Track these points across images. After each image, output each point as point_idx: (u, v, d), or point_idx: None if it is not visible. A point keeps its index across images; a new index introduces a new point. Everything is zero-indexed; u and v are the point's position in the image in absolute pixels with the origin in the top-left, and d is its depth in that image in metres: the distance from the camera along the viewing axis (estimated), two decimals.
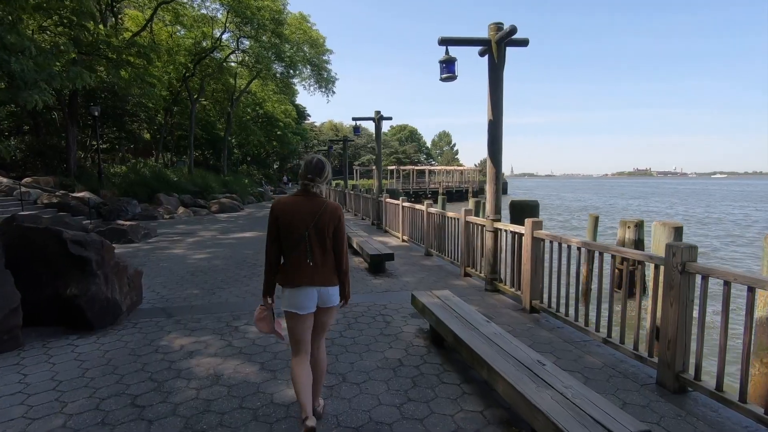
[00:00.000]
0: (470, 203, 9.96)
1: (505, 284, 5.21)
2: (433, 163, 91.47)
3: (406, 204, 9.34)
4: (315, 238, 2.32)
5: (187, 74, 22.54)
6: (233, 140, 36.14)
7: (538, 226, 4.45)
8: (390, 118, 13.63)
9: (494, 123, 5.32)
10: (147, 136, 30.14)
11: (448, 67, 5.61)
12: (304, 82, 30.26)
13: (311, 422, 2.16)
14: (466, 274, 6.25)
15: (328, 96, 29.35)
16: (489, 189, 5.47)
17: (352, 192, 17.93)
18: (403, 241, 9.48)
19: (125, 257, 5.89)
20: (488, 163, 5.48)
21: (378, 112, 13.32)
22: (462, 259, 6.32)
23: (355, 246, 7.58)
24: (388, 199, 11.13)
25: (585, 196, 62.78)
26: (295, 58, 25.77)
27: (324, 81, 28.86)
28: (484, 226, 5.60)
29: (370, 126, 16.12)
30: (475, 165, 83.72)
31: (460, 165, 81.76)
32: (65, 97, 16.03)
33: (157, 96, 18.86)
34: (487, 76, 5.27)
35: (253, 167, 46.86)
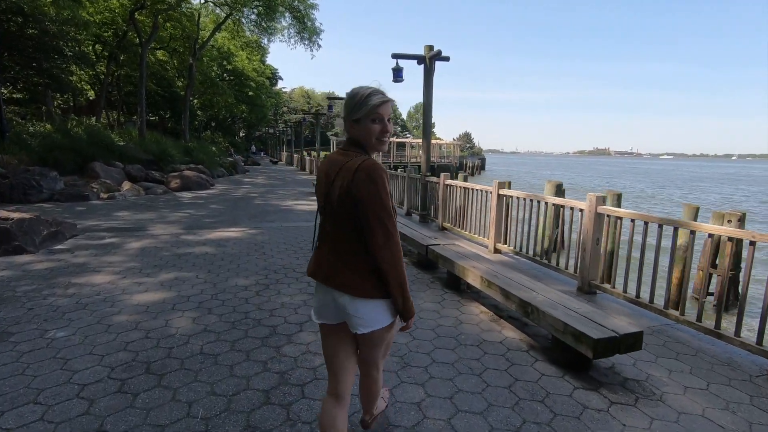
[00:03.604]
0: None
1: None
2: (408, 135, 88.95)
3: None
4: (330, 214, 1.53)
5: (134, 6, 17.42)
6: (196, 101, 30.87)
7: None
8: None
9: (426, 110, 8.61)
10: (90, 92, 24.67)
11: (398, 74, 8.34)
12: (281, 35, 25.40)
13: None
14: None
15: (312, 50, 24.73)
16: (423, 158, 9.04)
17: None
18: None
19: None
20: (422, 138, 9.01)
21: (348, 92, 14.87)
22: None
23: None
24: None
25: (571, 175, 61.60)
26: (275, 1, 20.96)
27: (308, 32, 24.15)
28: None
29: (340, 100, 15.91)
30: (454, 139, 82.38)
31: (438, 138, 79.55)
32: None
33: (89, 24, 13.95)
34: (423, 80, 8.25)
35: (219, 134, 41.52)
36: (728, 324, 3.26)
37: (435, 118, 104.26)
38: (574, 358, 2.78)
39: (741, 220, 7.31)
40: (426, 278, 4.75)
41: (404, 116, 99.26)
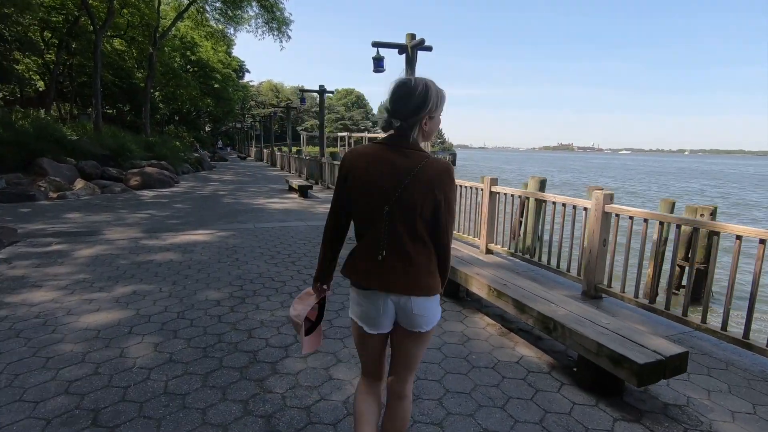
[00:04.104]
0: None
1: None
2: (379, 130, 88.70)
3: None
4: (400, 218, 1.41)
5: None
6: (157, 93, 29.24)
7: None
8: (332, 92, 16.33)
9: None
10: (40, 83, 22.83)
11: (379, 64, 8.15)
12: (248, 25, 24.34)
13: None
14: None
15: (281, 41, 23.82)
16: None
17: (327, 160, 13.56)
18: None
19: None
20: None
21: (321, 86, 15.11)
22: None
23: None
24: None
25: (539, 170, 62.84)
26: None
27: (277, 22, 23.22)
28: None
29: (313, 93, 16.60)
30: None
31: None
32: None
33: (33, 6, 12.68)
34: (405, 71, 7.48)
35: (182, 128, 39.66)
36: (756, 335, 3.02)
37: None
38: (605, 380, 2.43)
39: (713, 214, 7.33)
40: None
41: (374, 111, 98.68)
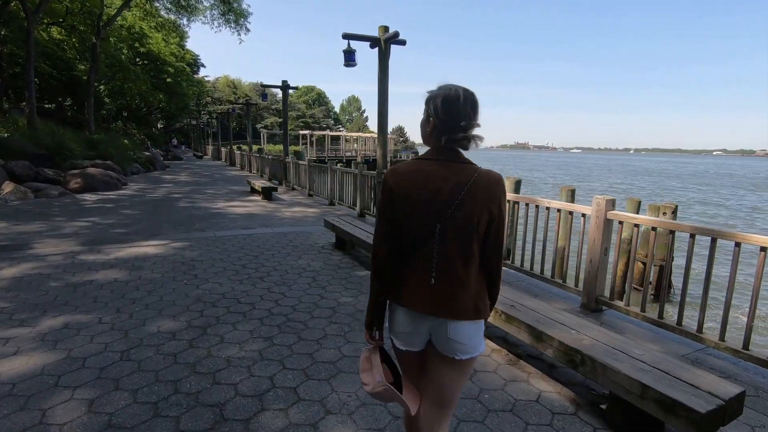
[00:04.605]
0: None
1: None
2: (341, 129, 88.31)
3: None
4: (453, 237, 1.33)
5: None
6: (103, 87, 27.11)
7: None
8: (296, 88, 15.53)
9: (382, 100, 7.27)
10: None
11: (350, 57, 7.66)
12: (203, 16, 22.98)
13: None
14: None
15: (240, 34, 22.64)
16: (378, 152, 7.74)
17: (298, 161, 12.85)
18: None
19: None
20: (378, 132, 7.64)
21: (285, 81, 14.33)
22: None
23: None
24: None
25: (497, 168, 64.34)
26: None
27: (234, 14, 22.04)
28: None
29: (275, 89, 16.16)
30: (389, 132, 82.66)
31: (371, 132, 79.55)
32: None
33: None
34: (378, 65, 7.14)
35: (132, 125, 37.21)
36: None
37: (367, 111, 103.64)
38: (643, 421, 2.08)
39: (674, 212, 7.40)
40: None
41: (336, 109, 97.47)
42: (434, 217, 1.33)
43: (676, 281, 7.00)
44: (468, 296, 1.36)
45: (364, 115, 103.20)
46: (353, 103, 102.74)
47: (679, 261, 6.88)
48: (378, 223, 1.44)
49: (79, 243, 5.65)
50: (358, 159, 42.83)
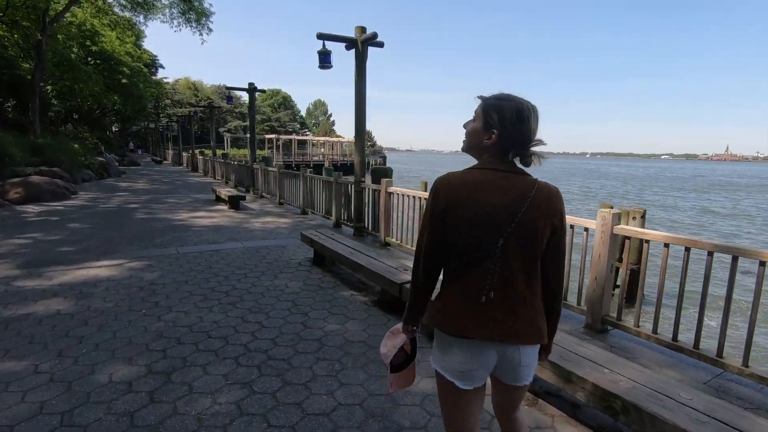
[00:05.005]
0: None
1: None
2: (308, 133, 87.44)
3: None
4: (516, 251, 1.26)
5: None
6: (50, 87, 25.22)
7: (389, 184, 5.91)
8: (264, 91, 14.64)
9: (359, 104, 6.85)
10: None
11: (325, 59, 7.17)
12: (162, 14, 21.83)
13: None
14: None
15: (202, 34, 21.64)
16: (356, 159, 7.32)
17: (269, 167, 12.21)
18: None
19: None
20: (355, 137, 7.21)
21: (251, 84, 13.67)
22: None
23: None
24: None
25: None
26: None
27: (195, 12, 21.05)
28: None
29: (238, 91, 15.10)
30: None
31: (339, 136, 79.18)
32: None
33: None
34: (354, 67, 6.73)
35: (84, 129, 34.92)
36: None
37: (334, 115, 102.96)
38: None
39: (643, 217, 7.44)
40: None
41: (303, 113, 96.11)
42: (496, 231, 1.24)
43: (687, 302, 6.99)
44: (532, 315, 1.30)
45: (331, 119, 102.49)
46: (320, 107, 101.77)
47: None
48: (423, 240, 1.34)
49: (16, 265, 4.91)
50: (326, 164, 42.38)
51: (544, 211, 1.26)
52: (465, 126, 1.38)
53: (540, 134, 1.32)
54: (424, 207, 1.37)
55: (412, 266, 1.43)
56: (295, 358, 2.93)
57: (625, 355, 3.17)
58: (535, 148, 1.30)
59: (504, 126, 1.25)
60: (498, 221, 1.24)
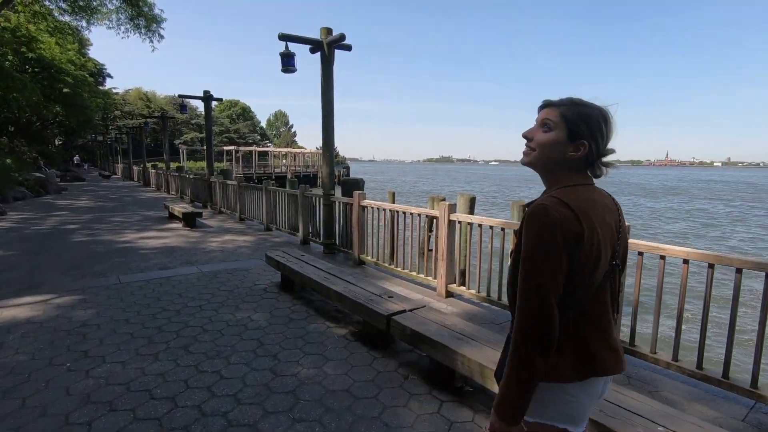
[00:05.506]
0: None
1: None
2: (269, 144, 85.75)
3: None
4: (621, 270, 1.20)
5: None
6: None
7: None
8: (221, 99, 13.63)
9: (326, 112, 6.38)
10: None
11: (288, 61, 6.53)
12: (108, 20, 20.44)
13: None
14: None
15: (152, 41, 20.37)
16: (324, 170, 6.80)
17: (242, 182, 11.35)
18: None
19: None
20: (323, 147, 6.68)
21: (207, 92, 12.94)
22: None
23: None
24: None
25: (431, 182, 65.62)
26: None
27: (145, 18, 19.83)
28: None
29: (194, 102, 13.47)
30: (317, 148, 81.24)
31: (301, 147, 78.05)
32: None
33: None
34: (320, 71, 6.31)
35: (21, 142, 32.15)
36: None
37: (296, 124, 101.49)
38: None
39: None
40: (389, 367, 2.96)
41: (263, 124, 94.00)
42: (612, 251, 1.14)
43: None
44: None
45: (292, 130, 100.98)
46: (280, 117, 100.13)
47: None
48: (544, 281, 1.05)
49: None
50: (289, 175, 41.49)
51: (626, 231, 1.23)
52: (527, 135, 1.18)
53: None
54: (530, 244, 1.06)
55: (519, 335, 1.07)
56: (264, 422, 2.33)
57: (647, 388, 2.79)
58: (608, 157, 1.17)
59: (594, 136, 1.12)
60: (612, 240, 1.14)
